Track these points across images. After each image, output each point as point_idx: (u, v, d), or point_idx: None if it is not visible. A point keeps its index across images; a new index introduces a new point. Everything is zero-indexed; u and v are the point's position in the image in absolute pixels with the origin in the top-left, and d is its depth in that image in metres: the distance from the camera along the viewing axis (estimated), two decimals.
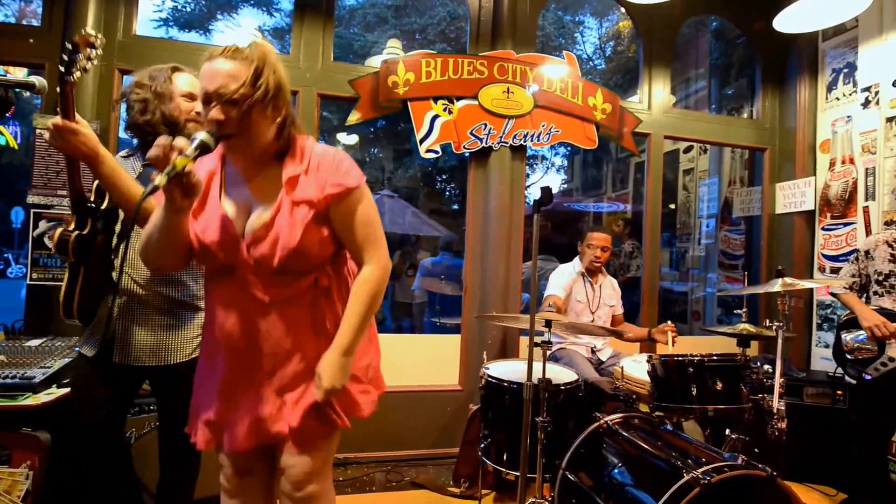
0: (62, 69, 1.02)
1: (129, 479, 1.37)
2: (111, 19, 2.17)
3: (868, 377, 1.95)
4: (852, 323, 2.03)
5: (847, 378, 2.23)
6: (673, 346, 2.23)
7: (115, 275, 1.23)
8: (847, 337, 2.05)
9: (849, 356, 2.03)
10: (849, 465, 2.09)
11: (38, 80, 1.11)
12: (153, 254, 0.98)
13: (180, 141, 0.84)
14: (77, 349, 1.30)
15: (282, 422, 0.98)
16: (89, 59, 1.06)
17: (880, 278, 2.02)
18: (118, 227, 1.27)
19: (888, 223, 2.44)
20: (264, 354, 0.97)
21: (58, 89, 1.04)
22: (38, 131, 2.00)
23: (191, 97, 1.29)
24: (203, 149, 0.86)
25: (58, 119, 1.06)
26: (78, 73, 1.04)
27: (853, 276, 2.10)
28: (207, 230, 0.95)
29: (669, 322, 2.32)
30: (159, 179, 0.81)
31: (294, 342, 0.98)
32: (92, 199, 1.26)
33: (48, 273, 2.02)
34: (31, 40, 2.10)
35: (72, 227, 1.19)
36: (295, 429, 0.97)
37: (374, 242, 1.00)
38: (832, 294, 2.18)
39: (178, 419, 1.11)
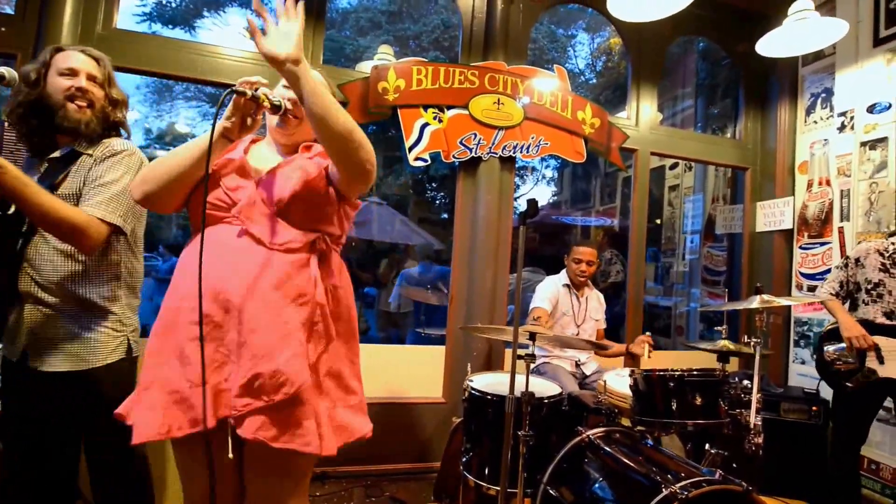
0: None
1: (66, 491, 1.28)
2: (90, 10, 2.08)
3: (849, 386, 1.98)
4: (834, 334, 2.06)
5: (829, 388, 2.26)
6: (649, 356, 2.24)
7: (22, 280, 1.18)
8: (829, 348, 2.09)
9: (831, 368, 2.07)
10: (823, 480, 2.13)
11: (7, 72, 1.08)
12: (161, 176, 1.01)
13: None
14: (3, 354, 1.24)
15: (249, 398, 0.91)
16: None
17: (869, 287, 2.02)
18: (25, 228, 1.19)
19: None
20: (249, 312, 0.93)
21: None
22: None
23: (71, 72, 1.20)
24: (277, 104, 1.02)
25: None
26: None
27: (841, 283, 2.11)
28: (226, 166, 1.06)
29: (647, 333, 2.34)
30: (246, 89, 0.96)
31: (281, 299, 0.96)
32: None
33: None
34: (3, 29, 2.00)
35: None
36: (269, 443, 0.91)
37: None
38: (817, 300, 2.20)
39: (106, 430, 1.07)
